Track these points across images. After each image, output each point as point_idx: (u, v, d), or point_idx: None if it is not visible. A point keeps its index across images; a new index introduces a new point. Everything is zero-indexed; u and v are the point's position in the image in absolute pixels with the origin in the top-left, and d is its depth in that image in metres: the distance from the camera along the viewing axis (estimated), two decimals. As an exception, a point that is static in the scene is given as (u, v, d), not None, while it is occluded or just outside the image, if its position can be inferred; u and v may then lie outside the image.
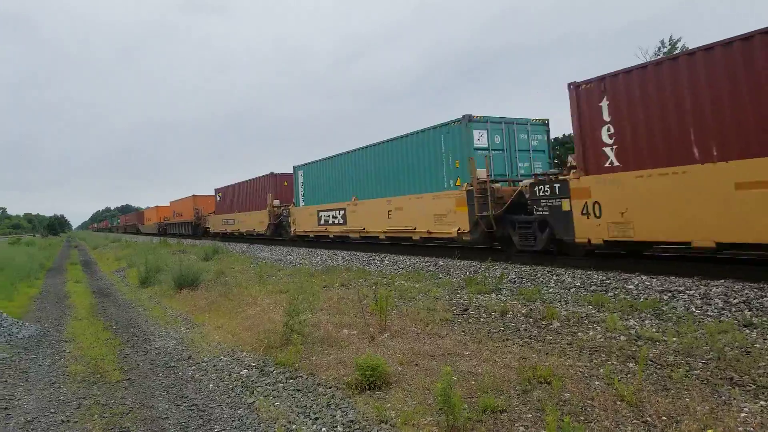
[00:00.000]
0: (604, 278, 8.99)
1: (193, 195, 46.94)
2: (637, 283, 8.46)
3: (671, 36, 38.68)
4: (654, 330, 6.25)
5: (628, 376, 4.90)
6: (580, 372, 5.11)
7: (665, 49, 37.81)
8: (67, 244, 63.39)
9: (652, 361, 5.22)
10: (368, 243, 18.71)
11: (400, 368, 5.72)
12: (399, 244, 17.01)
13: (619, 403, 4.30)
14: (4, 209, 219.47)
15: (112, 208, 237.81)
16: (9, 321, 9.53)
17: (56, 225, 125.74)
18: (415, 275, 11.61)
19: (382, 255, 15.44)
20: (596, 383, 4.80)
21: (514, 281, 9.92)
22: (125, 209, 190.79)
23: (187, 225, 47.95)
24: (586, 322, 6.79)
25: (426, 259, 13.49)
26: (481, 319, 7.42)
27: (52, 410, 5.43)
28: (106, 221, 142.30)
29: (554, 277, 9.61)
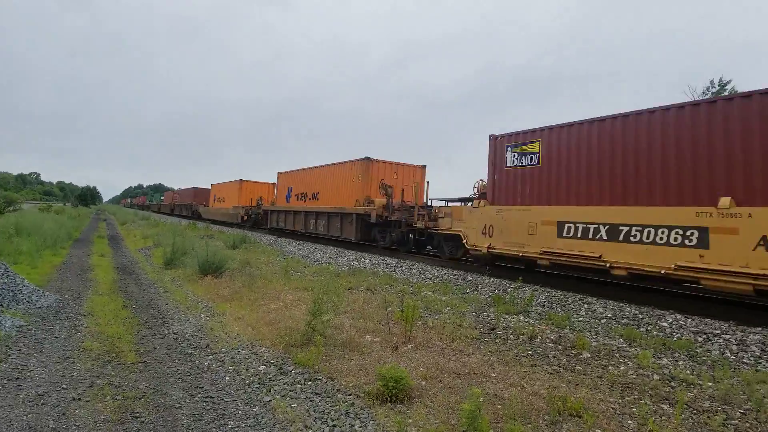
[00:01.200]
0: (636, 312, 8.71)
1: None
2: (671, 321, 8.17)
3: (722, 77, 37.81)
4: (688, 372, 5.99)
5: (663, 418, 4.68)
6: (612, 408, 4.90)
7: (714, 90, 36.98)
8: (96, 216, 64.31)
9: (687, 405, 4.98)
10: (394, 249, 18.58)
11: (423, 383, 5.57)
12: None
13: (654, 447, 4.10)
14: (38, 175, 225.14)
15: (144, 186, 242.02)
16: (30, 288, 9.48)
17: (87, 196, 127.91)
18: (443, 287, 11.44)
19: (410, 263, 15.30)
20: (629, 422, 4.59)
21: (544, 305, 9.69)
22: (158, 188, 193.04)
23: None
24: (617, 355, 6.55)
25: (454, 272, 13.31)
26: (509, 341, 7.23)
27: (63, 386, 5.37)
28: (144, 198, 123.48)
29: (585, 305, 9.35)
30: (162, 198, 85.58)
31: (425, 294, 10.54)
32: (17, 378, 5.49)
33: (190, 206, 56.88)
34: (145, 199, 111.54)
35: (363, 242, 20.85)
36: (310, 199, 26.75)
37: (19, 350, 6.45)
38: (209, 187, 52.55)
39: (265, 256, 17.58)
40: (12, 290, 8.93)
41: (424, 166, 22.57)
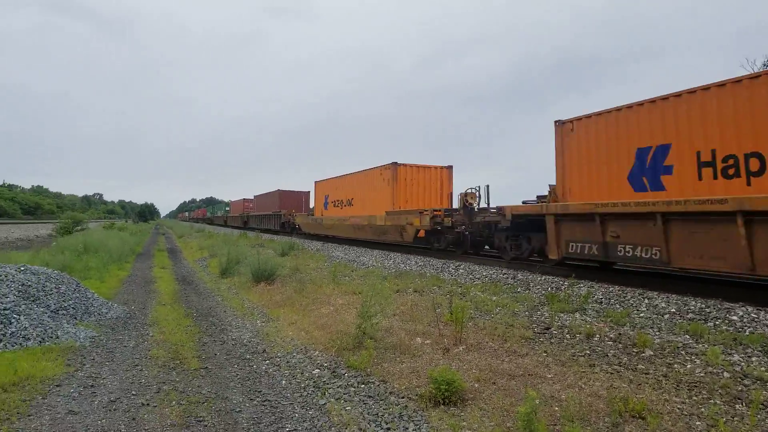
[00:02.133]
0: (703, 306, 8.25)
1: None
2: (741, 314, 7.69)
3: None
4: (763, 369, 5.59)
5: (735, 419, 4.38)
6: (678, 409, 4.62)
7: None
8: (155, 230, 66.89)
9: (763, 404, 4.64)
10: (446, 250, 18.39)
11: (476, 385, 5.42)
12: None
13: (727, 449, 3.83)
14: (101, 195, 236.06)
15: (197, 200, 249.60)
16: (99, 301, 10.01)
17: (146, 212, 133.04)
18: (492, 287, 11.18)
19: (458, 263, 15.06)
20: (697, 423, 4.32)
21: (601, 301, 9.31)
22: (210, 201, 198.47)
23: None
24: (683, 353, 6.19)
25: (504, 271, 13.01)
26: (565, 340, 6.96)
27: (133, 392, 5.59)
28: (203, 210, 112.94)
29: (646, 301, 8.93)
30: (228, 209, 72.16)
31: (474, 294, 10.33)
32: (92, 385, 5.77)
33: (276, 217, 41.68)
34: (206, 212, 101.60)
35: (415, 246, 20.62)
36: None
37: (93, 359, 6.78)
38: (306, 189, 42.09)
39: (313, 262, 17.74)
40: (84, 304, 9.43)
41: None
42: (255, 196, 53.88)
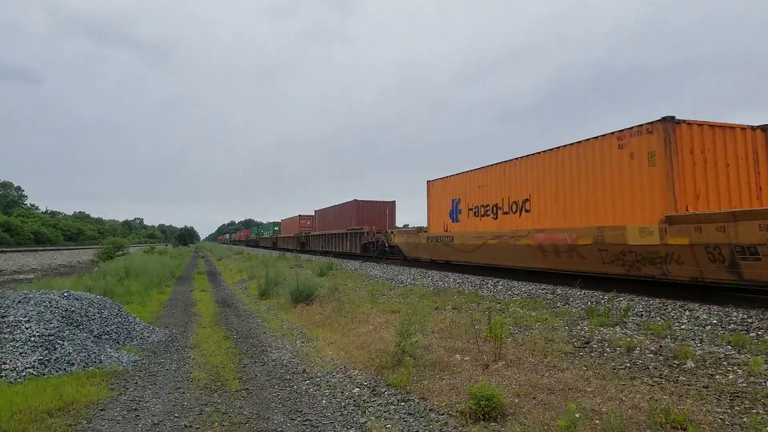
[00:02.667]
0: (745, 316, 8.14)
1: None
2: (785, 323, 7.57)
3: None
4: (807, 378, 5.53)
5: (778, 428, 4.36)
6: (720, 419, 4.62)
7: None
8: (195, 254, 68.05)
9: (806, 414, 4.61)
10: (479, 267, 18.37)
11: (516, 400, 5.49)
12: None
13: (769, 459, 3.83)
14: (141, 220, 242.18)
15: (236, 222, 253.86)
16: (141, 325, 10.23)
17: (186, 236, 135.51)
18: (531, 302, 11.20)
19: (495, 279, 15.07)
20: (739, 433, 4.32)
21: (641, 314, 9.25)
22: (249, 223, 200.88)
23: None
24: (725, 363, 6.15)
25: (543, 287, 12.98)
26: (605, 354, 6.97)
27: (176, 415, 5.72)
28: (246, 231, 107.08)
29: (687, 313, 8.84)
30: (277, 228, 62.38)
31: (513, 310, 10.36)
32: (135, 409, 5.92)
33: (355, 236, 31.58)
34: (249, 233, 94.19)
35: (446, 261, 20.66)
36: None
37: (136, 383, 6.95)
38: (388, 199, 33.78)
39: (351, 281, 17.94)
40: (126, 328, 9.65)
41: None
42: (317, 211, 44.34)
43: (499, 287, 13.79)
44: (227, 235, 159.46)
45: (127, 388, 6.68)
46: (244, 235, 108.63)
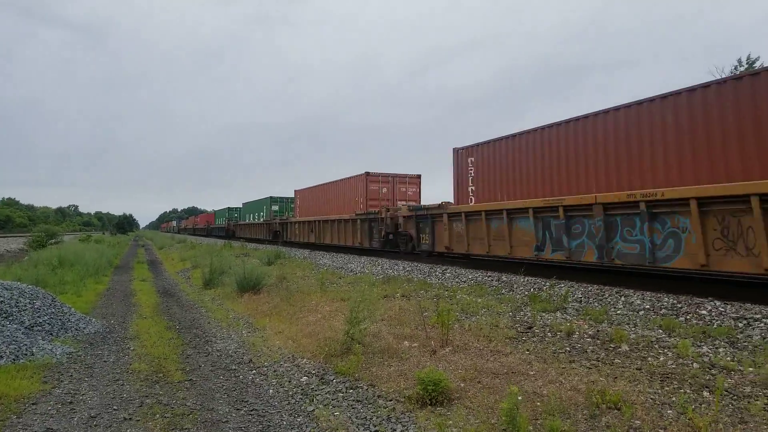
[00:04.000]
0: (675, 302, 8.61)
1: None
2: (710, 308, 8.06)
3: (749, 54, 36.84)
4: (729, 359, 5.94)
5: (703, 405, 4.69)
6: (651, 399, 4.92)
7: (743, 68, 36.02)
8: (134, 242, 66.02)
9: (727, 391, 4.96)
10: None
11: (462, 384, 5.67)
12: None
13: (693, 434, 4.12)
14: (76, 207, 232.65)
15: (179, 210, 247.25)
16: (77, 316, 9.84)
17: (125, 224, 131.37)
18: (478, 289, 11.49)
19: (444, 267, 15.34)
20: (669, 412, 4.61)
21: (580, 300, 9.66)
22: (192, 211, 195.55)
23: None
24: (657, 346, 6.52)
25: (489, 274, 13.31)
26: (546, 338, 7.27)
27: (114, 407, 5.58)
28: (207, 217, 76.08)
29: (622, 298, 9.28)
30: (278, 209, 40.81)
31: (461, 297, 10.61)
32: (70, 402, 5.74)
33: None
34: (213, 219, 70.55)
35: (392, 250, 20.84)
36: None
37: (71, 376, 6.73)
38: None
39: (300, 270, 17.90)
40: (60, 319, 9.28)
41: None
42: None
43: (447, 275, 14.06)
44: (174, 222, 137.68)
45: (62, 381, 6.45)
46: (201, 221, 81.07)
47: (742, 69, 35.09)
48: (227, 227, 55.56)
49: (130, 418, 5.26)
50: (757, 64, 34.73)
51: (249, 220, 48.98)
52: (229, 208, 59.52)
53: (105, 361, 7.48)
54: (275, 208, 40.99)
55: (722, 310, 7.90)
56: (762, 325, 7.15)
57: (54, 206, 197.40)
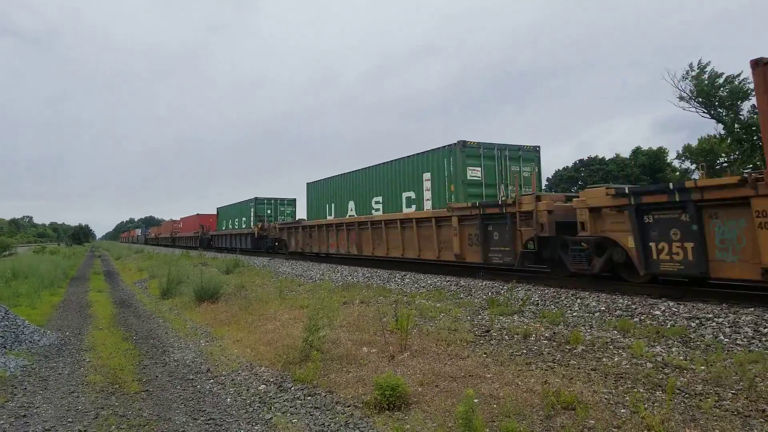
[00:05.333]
0: (629, 303, 8.79)
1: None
2: (663, 309, 8.25)
3: (700, 60, 38.31)
4: (681, 358, 6.07)
5: (655, 404, 4.76)
6: (606, 399, 4.98)
7: (694, 73, 37.40)
8: (90, 253, 64.23)
9: (679, 389, 5.06)
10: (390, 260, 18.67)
11: (420, 389, 5.65)
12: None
13: (645, 432, 4.17)
14: (30, 218, 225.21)
15: (136, 219, 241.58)
16: (31, 329, 9.65)
17: (81, 234, 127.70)
18: (437, 294, 11.51)
19: (403, 273, 15.32)
20: (622, 411, 4.67)
21: (537, 303, 9.76)
22: (150, 221, 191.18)
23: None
24: (611, 347, 6.62)
25: (448, 278, 13.37)
26: (504, 341, 7.30)
27: (69, 419, 5.48)
28: (205, 219, 51.17)
29: (578, 301, 9.43)
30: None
31: (420, 302, 10.60)
32: (24, 415, 5.61)
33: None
34: (170, 229, 62.25)
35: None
36: None
37: (25, 389, 6.57)
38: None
39: (259, 278, 17.67)
40: (14, 332, 9.09)
41: None
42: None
43: (407, 280, 14.06)
44: (138, 231, 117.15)
45: (15, 394, 6.32)
46: (191, 226, 56.39)
47: (693, 74, 36.37)
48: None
49: (85, 430, 5.19)
50: (708, 70, 36.09)
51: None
52: (134, 225, 48.22)
53: (60, 374, 7.35)
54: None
55: (675, 310, 8.09)
56: (714, 324, 7.34)
57: (8, 218, 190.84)
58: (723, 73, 36.35)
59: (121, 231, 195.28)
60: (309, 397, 5.86)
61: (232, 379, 6.84)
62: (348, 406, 5.46)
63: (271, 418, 5.35)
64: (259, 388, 6.38)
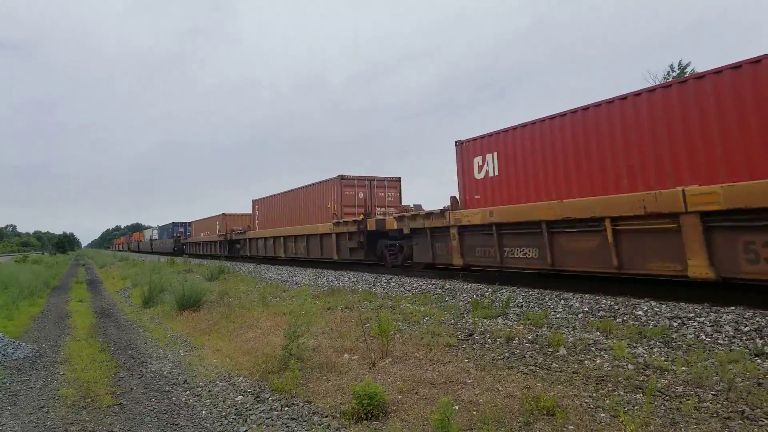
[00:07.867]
0: (612, 303, 8.76)
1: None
2: (646, 309, 8.22)
3: (680, 61, 38.64)
4: (663, 359, 6.01)
5: (635, 407, 4.69)
6: (586, 403, 4.90)
7: (674, 74, 37.70)
8: (74, 262, 63.41)
9: (660, 391, 5.00)
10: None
11: (399, 396, 5.54)
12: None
13: (625, 437, 4.10)
14: (14, 226, 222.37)
15: (122, 227, 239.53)
16: (5, 341, 9.43)
17: (65, 243, 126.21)
18: (422, 298, 11.42)
19: (389, 276, 15.26)
20: (602, 415, 4.60)
21: (521, 305, 9.71)
22: (136, 228, 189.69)
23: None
24: (593, 349, 6.56)
25: (433, 282, 13.29)
26: (486, 345, 7.22)
27: None
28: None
29: (562, 302, 9.39)
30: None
31: (404, 306, 10.51)
32: None
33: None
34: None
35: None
36: None
37: None
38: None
39: (243, 285, 17.47)
40: (-13, 345, 8.81)
41: None
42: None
43: (392, 284, 13.97)
44: (129, 237, 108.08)
45: (-18, 411, 6.10)
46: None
47: (674, 75, 36.64)
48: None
49: (52, 447, 4.98)
50: (688, 71, 36.39)
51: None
52: (120, 232, 54.39)
53: (31, 387, 7.14)
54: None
55: (658, 310, 8.07)
56: (695, 323, 7.33)
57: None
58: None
59: (108, 238, 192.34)
60: (286, 408, 5.73)
61: (209, 390, 6.67)
62: (325, 417, 5.34)
63: (246, 431, 5.21)
64: (236, 399, 6.23)
